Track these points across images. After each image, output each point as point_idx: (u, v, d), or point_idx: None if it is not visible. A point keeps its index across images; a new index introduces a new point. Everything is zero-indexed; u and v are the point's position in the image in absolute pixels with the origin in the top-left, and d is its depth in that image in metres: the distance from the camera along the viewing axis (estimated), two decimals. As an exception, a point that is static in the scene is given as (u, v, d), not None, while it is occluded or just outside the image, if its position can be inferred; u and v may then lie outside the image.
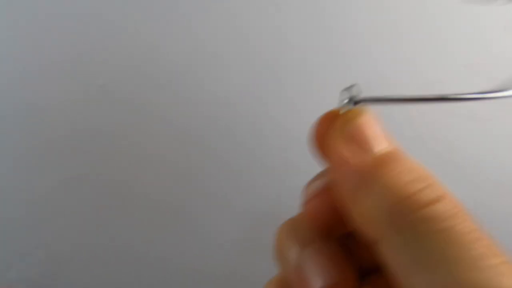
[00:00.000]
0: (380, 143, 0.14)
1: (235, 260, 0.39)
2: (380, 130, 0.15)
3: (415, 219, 0.13)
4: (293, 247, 0.16)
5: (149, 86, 0.37)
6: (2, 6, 0.35)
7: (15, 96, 0.36)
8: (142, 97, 0.37)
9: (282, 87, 0.38)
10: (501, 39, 0.38)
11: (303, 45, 0.38)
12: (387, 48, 0.39)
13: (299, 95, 0.38)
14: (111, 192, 0.38)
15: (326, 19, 0.38)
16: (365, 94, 0.16)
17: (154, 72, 0.37)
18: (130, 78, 0.37)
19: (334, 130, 0.15)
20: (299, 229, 0.16)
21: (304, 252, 0.16)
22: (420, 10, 0.38)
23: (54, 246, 0.37)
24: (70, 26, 0.36)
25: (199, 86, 0.38)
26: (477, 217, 0.13)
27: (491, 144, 0.39)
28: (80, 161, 0.37)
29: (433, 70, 0.38)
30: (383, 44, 0.39)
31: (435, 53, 0.38)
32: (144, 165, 0.38)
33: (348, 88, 0.16)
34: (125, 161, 0.37)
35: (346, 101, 0.15)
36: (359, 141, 0.14)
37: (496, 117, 0.39)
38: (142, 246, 0.39)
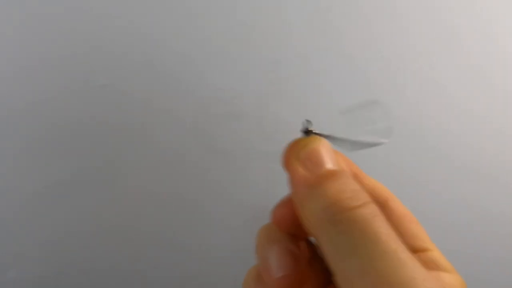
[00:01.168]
0: (324, 164, 0.19)
1: (236, 247, 0.39)
2: (326, 154, 0.20)
3: (340, 219, 0.17)
4: (264, 245, 0.21)
5: (150, 85, 0.37)
6: (2, 6, 0.35)
7: (14, 96, 0.36)
8: (143, 97, 0.37)
9: (285, 84, 0.38)
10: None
11: (307, 43, 0.38)
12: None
13: (302, 93, 0.38)
14: (112, 191, 0.37)
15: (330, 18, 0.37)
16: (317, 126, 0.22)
17: (155, 72, 0.37)
18: (131, 78, 0.37)
19: (293, 153, 0.20)
20: (270, 231, 0.21)
21: (269, 248, 0.20)
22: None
23: (54, 246, 0.37)
24: (70, 25, 0.36)
25: (201, 84, 0.37)
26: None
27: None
28: (82, 161, 0.37)
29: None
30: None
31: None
32: (145, 163, 0.37)
33: (303, 122, 0.22)
34: (126, 159, 0.37)
35: (301, 132, 0.22)
36: (308, 162, 0.19)
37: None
38: (142, 245, 0.38)
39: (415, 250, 0.21)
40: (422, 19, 0.38)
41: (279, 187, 0.38)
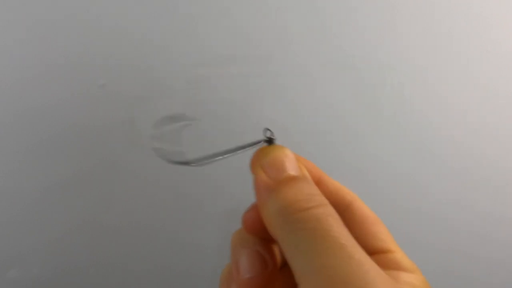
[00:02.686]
0: (284, 171, 0.20)
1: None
2: (287, 162, 0.21)
3: (293, 219, 0.18)
4: (235, 247, 0.22)
5: (149, 85, 0.37)
6: (1, 6, 0.35)
7: (14, 96, 0.36)
8: (142, 97, 0.37)
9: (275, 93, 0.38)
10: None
11: (304, 45, 0.38)
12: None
13: (287, 100, 0.38)
14: (112, 191, 0.37)
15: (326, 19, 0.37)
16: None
17: (155, 72, 0.37)
18: (130, 78, 0.37)
19: (257, 160, 0.21)
20: (243, 235, 0.22)
21: (239, 251, 0.22)
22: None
23: (54, 246, 0.37)
24: (69, 25, 0.36)
25: (202, 84, 0.37)
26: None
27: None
28: (81, 161, 0.37)
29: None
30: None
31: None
32: (145, 162, 0.37)
33: (264, 131, 0.23)
34: (126, 159, 0.37)
35: (263, 141, 0.23)
36: (270, 169, 0.20)
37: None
38: (142, 244, 0.38)
39: (377, 251, 0.21)
40: (420, 19, 0.38)
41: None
